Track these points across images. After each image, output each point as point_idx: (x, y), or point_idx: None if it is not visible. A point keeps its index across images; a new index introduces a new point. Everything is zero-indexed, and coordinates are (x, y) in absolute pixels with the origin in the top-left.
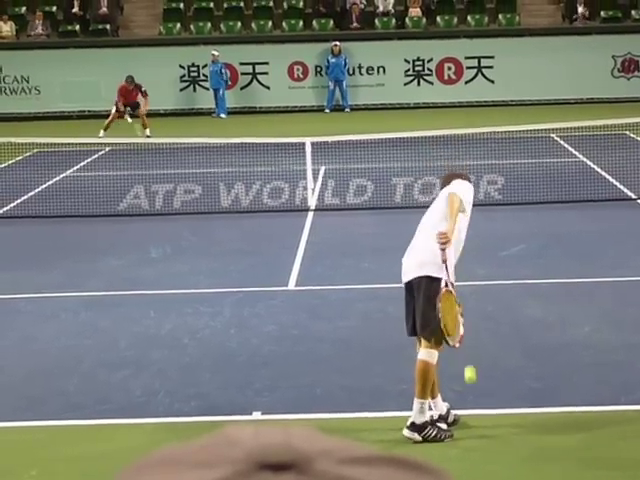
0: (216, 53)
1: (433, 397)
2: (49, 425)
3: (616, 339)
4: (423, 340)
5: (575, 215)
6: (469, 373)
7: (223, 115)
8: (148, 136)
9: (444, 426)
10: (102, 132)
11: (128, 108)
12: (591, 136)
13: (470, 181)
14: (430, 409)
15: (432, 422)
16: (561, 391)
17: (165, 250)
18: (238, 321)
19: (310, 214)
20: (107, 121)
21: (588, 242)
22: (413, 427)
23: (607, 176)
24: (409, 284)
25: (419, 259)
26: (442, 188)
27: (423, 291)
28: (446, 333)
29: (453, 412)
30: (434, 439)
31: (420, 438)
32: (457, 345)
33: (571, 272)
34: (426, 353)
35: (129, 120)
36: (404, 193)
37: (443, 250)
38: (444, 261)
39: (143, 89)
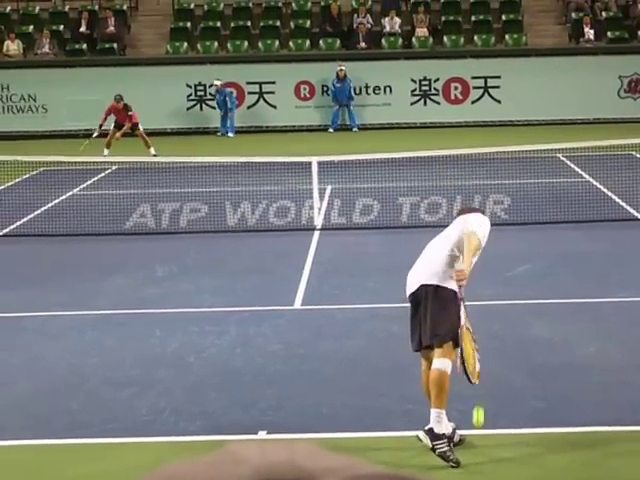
0: (218, 83)
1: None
2: (54, 444)
3: (621, 359)
4: (436, 349)
5: (581, 235)
6: (478, 416)
7: (231, 134)
8: (154, 155)
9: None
10: (106, 150)
11: (123, 128)
12: (597, 156)
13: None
14: (441, 421)
15: (448, 438)
16: (566, 411)
17: (171, 269)
18: (244, 340)
19: (316, 233)
20: (107, 139)
21: (594, 262)
22: (430, 433)
23: (613, 196)
24: (414, 296)
25: (426, 270)
26: (458, 215)
27: (431, 299)
28: (468, 371)
29: (459, 432)
30: (441, 455)
31: (430, 445)
32: (476, 381)
33: (577, 292)
34: (440, 362)
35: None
36: (410, 213)
37: (460, 287)
38: (461, 299)
39: (130, 113)
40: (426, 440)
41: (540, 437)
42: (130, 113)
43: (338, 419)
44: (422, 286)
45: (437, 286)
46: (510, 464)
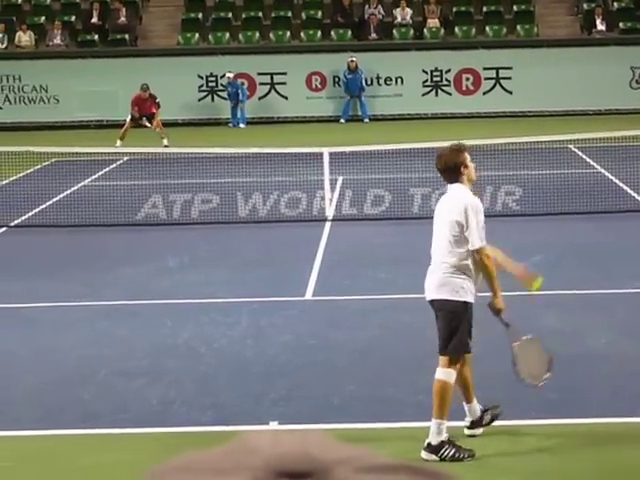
0: (231, 75)
1: (468, 402)
2: (66, 434)
3: (632, 350)
4: (440, 359)
5: (593, 226)
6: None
7: (242, 125)
8: (166, 146)
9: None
10: (119, 142)
11: (144, 118)
12: (609, 147)
13: (465, 165)
14: (440, 432)
15: (449, 442)
16: (577, 402)
17: (182, 260)
18: (255, 331)
19: (328, 224)
20: (122, 130)
21: (605, 253)
22: (429, 448)
23: (625, 187)
24: (431, 303)
25: (433, 281)
26: (444, 177)
27: (440, 313)
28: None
29: (490, 410)
30: (452, 458)
31: (437, 459)
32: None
33: (588, 283)
34: (443, 372)
35: (148, 125)
36: (422, 203)
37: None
38: (506, 325)
39: (157, 100)
40: (430, 457)
41: (552, 428)
42: (157, 100)
43: (349, 410)
44: (433, 299)
45: (445, 300)
46: (522, 455)
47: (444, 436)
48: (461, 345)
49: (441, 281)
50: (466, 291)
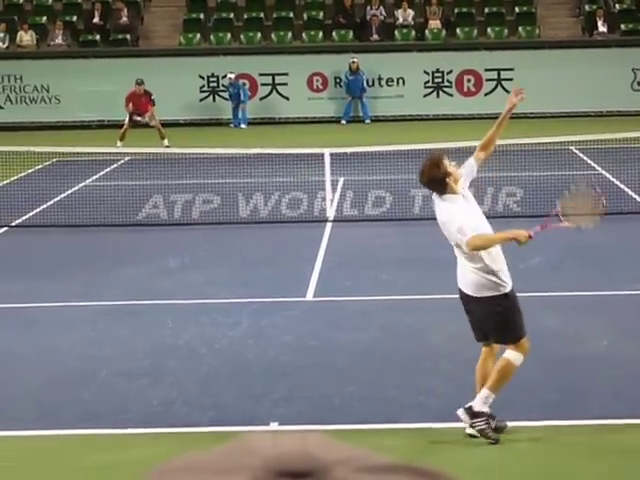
0: (232, 76)
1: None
2: (66, 434)
3: (633, 352)
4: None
5: (594, 228)
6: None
7: (243, 125)
8: (167, 146)
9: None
10: (119, 142)
11: (139, 118)
12: (610, 149)
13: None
14: (486, 403)
15: (488, 416)
16: (578, 404)
17: (183, 260)
18: (256, 332)
19: (329, 225)
20: (121, 131)
21: (607, 255)
22: (469, 411)
23: (626, 189)
24: (459, 292)
25: (460, 275)
26: (432, 190)
27: (476, 308)
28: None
29: (497, 420)
30: (481, 432)
31: (469, 423)
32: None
33: (590, 285)
34: (513, 354)
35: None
36: (423, 205)
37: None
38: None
39: (152, 97)
40: (464, 417)
41: (552, 429)
42: (153, 97)
43: (350, 411)
44: (462, 292)
45: (476, 298)
46: (521, 456)
47: (487, 409)
48: (515, 331)
49: (465, 279)
50: (500, 284)
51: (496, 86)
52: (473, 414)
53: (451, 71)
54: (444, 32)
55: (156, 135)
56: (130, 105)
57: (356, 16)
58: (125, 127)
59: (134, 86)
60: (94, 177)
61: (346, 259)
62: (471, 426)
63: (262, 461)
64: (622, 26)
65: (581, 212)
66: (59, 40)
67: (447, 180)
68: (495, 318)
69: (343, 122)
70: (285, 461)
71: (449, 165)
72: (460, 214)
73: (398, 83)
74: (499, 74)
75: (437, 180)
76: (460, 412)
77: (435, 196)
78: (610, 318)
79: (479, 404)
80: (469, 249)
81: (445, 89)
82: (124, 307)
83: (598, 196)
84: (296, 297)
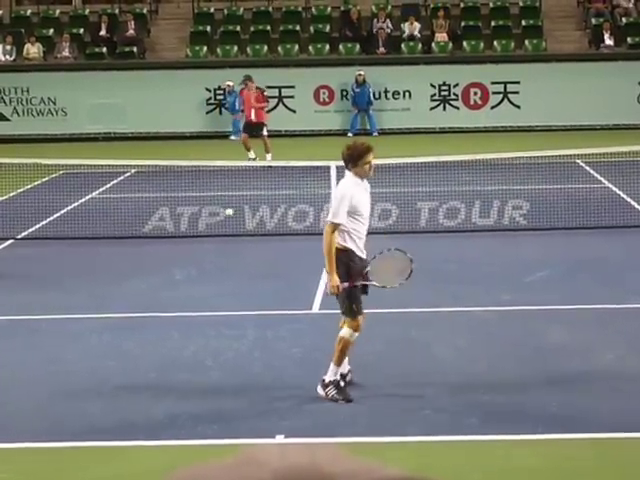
0: (231, 83)
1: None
2: (72, 447)
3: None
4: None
5: (600, 241)
6: None
7: (233, 137)
8: (263, 159)
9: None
10: (249, 154)
11: (254, 131)
12: (617, 162)
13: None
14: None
15: (336, 383)
16: (584, 418)
17: (189, 272)
18: (262, 344)
19: None
20: (243, 144)
21: (613, 268)
22: (322, 383)
23: (633, 202)
24: None
25: None
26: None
27: None
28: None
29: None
30: (332, 398)
31: (323, 394)
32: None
33: (596, 298)
34: (343, 330)
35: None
36: (429, 217)
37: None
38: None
39: (265, 93)
40: (321, 391)
41: (557, 443)
42: (265, 93)
43: (356, 423)
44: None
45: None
46: (527, 470)
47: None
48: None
49: None
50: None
51: (502, 99)
52: (325, 385)
53: (457, 84)
54: (451, 45)
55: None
56: (245, 110)
57: (363, 29)
58: (244, 140)
59: (242, 86)
60: (101, 189)
61: None
62: (325, 395)
63: (270, 474)
64: (629, 39)
65: (387, 274)
66: (66, 52)
67: (354, 167)
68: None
69: (350, 135)
70: (293, 474)
71: (368, 161)
72: (349, 191)
73: (404, 96)
74: (505, 87)
75: (345, 160)
76: (318, 389)
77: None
78: (616, 332)
79: (329, 376)
80: (325, 229)
81: (451, 102)
82: (130, 319)
83: (408, 263)
84: (302, 310)
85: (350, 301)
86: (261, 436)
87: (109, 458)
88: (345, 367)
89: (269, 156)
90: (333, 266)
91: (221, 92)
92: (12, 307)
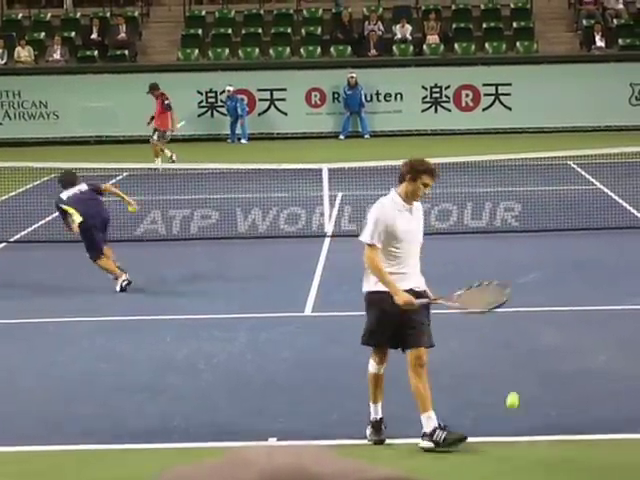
0: (231, 89)
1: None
2: (65, 450)
3: (632, 367)
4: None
5: (592, 243)
6: (512, 399)
7: (244, 141)
8: (173, 161)
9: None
10: (157, 160)
11: (156, 134)
12: (609, 164)
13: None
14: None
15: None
16: (577, 419)
17: (182, 275)
18: (254, 347)
19: (327, 240)
20: (153, 150)
21: (605, 270)
22: (425, 436)
23: (624, 204)
24: None
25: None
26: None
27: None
28: (489, 309)
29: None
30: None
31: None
32: (505, 298)
33: (588, 300)
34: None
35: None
36: None
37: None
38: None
39: (166, 102)
40: (428, 444)
41: (551, 444)
42: (167, 102)
43: (349, 426)
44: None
45: (364, 293)
46: (520, 471)
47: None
48: (367, 335)
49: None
50: (375, 286)
51: (494, 101)
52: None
53: (449, 86)
54: (442, 47)
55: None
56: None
57: (354, 32)
58: (155, 145)
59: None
60: None
61: (344, 274)
62: (436, 442)
63: (257, 474)
64: (620, 41)
65: (477, 302)
66: (57, 56)
67: (410, 180)
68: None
69: (341, 137)
70: (280, 475)
71: (427, 183)
72: (383, 216)
73: (396, 98)
74: (497, 89)
75: (405, 171)
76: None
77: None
78: (608, 333)
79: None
80: (364, 253)
81: (443, 104)
82: (123, 322)
83: (503, 297)
84: (294, 312)
85: (366, 327)
86: (253, 439)
87: (102, 461)
88: (379, 411)
89: (158, 160)
90: (391, 283)
91: (212, 95)
92: (5, 311)
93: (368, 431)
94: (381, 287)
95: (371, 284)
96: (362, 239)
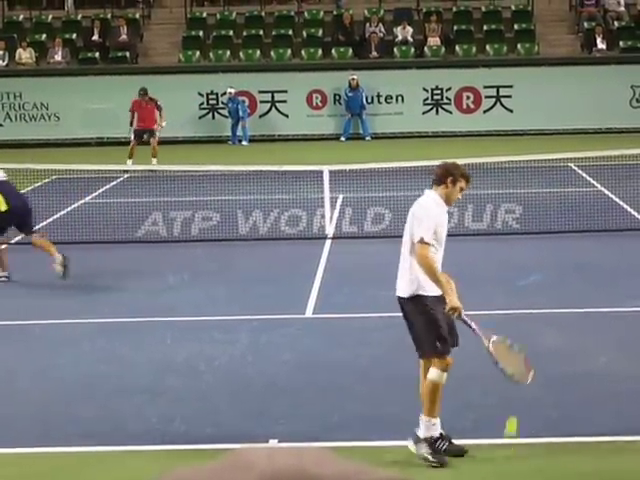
0: (232, 91)
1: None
2: (65, 452)
3: (634, 369)
4: (424, 360)
5: (593, 245)
6: (510, 427)
7: (245, 143)
8: (152, 168)
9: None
10: (129, 161)
11: (145, 134)
12: (609, 166)
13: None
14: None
15: (436, 440)
16: (579, 421)
17: (182, 277)
18: (255, 349)
19: (328, 242)
20: (129, 149)
21: (606, 272)
22: (417, 440)
23: (625, 206)
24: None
25: (399, 279)
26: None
27: (406, 311)
28: (512, 379)
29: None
30: (423, 458)
31: (423, 452)
32: (529, 380)
33: (589, 301)
34: (432, 372)
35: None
36: None
37: (459, 319)
38: (471, 327)
39: (159, 103)
40: (416, 448)
41: (553, 446)
42: (159, 103)
43: (350, 428)
44: (397, 298)
45: (405, 298)
46: (521, 473)
47: (435, 433)
48: (432, 342)
49: (401, 280)
50: (426, 290)
51: (495, 103)
52: (421, 441)
53: (450, 88)
54: (443, 49)
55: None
56: (135, 115)
57: (355, 34)
58: (132, 144)
59: (137, 97)
60: (94, 194)
61: (345, 276)
62: (423, 456)
63: (258, 476)
64: (621, 43)
65: (505, 360)
66: (58, 58)
67: (450, 183)
68: (410, 320)
69: (342, 139)
70: (281, 477)
71: (463, 187)
72: (436, 216)
73: (397, 100)
74: (498, 91)
75: (445, 173)
76: (410, 445)
77: (428, 189)
78: (609, 335)
79: (424, 431)
80: (418, 252)
81: (444, 106)
82: (123, 324)
83: (528, 366)
84: (295, 314)
85: (435, 335)
86: (255, 441)
87: (103, 463)
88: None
89: (130, 162)
90: (445, 285)
91: (213, 97)
92: (5, 312)
93: (424, 450)
94: (431, 290)
95: (421, 286)
96: (419, 237)
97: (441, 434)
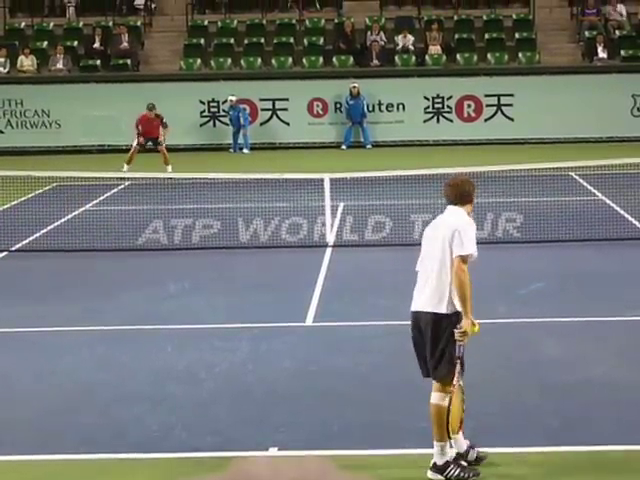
0: (233, 98)
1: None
2: (65, 459)
3: (634, 378)
4: (435, 383)
5: (594, 254)
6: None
7: (246, 150)
8: (169, 173)
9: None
10: (126, 166)
11: (150, 142)
12: (611, 175)
13: (472, 197)
14: (451, 447)
15: (454, 461)
16: (578, 429)
17: (183, 285)
18: (255, 356)
19: (328, 250)
20: (129, 154)
21: (606, 281)
22: (435, 468)
23: (626, 215)
24: (414, 316)
25: (424, 292)
26: (448, 201)
27: (429, 329)
28: (452, 430)
29: (477, 449)
30: (458, 477)
31: (443, 478)
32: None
33: (589, 311)
34: (438, 396)
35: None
36: (422, 230)
37: (460, 343)
38: (458, 358)
39: (164, 120)
40: (435, 476)
41: (552, 455)
42: (164, 120)
43: (350, 436)
44: (427, 313)
45: (443, 314)
46: None
47: (449, 456)
48: (451, 368)
49: (429, 294)
50: (452, 308)
51: (496, 112)
52: (439, 469)
53: (451, 96)
54: (444, 58)
55: (159, 160)
56: (140, 128)
57: (356, 42)
58: (132, 150)
59: (145, 111)
60: (94, 202)
61: (346, 284)
62: (447, 478)
63: None
64: (622, 52)
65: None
66: (60, 65)
67: (468, 198)
68: (433, 339)
69: (343, 147)
70: None
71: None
72: (473, 231)
73: (398, 108)
74: (499, 100)
75: (470, 191)
76: (430, 474)
77: (450, 206)
78: (610, 344)
79: (438, 457)
80: (456, 265)
81: (445, 114)
82: (124, 332)
83: None
84: (296, 322)
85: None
86: (254, 449)
87: (102, 471)
88: (462, 444)
89: (127, 167)
90: (470, 305)
91: (215, 104)
92: (6, 319)
93: (452, 473)
94: (458, 307)
95: (455, 303)
96: (468, 252)
97: (458, 453)
